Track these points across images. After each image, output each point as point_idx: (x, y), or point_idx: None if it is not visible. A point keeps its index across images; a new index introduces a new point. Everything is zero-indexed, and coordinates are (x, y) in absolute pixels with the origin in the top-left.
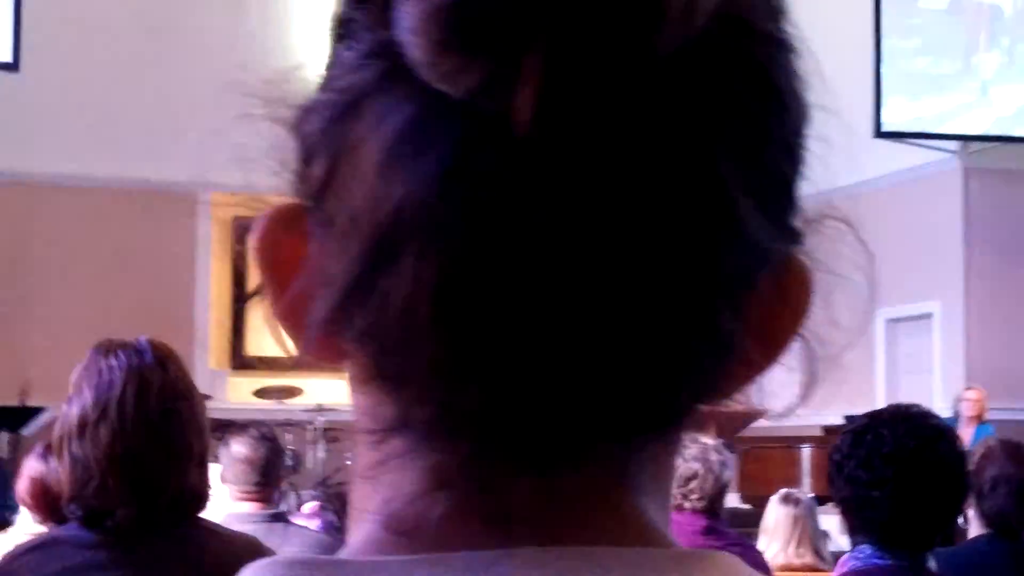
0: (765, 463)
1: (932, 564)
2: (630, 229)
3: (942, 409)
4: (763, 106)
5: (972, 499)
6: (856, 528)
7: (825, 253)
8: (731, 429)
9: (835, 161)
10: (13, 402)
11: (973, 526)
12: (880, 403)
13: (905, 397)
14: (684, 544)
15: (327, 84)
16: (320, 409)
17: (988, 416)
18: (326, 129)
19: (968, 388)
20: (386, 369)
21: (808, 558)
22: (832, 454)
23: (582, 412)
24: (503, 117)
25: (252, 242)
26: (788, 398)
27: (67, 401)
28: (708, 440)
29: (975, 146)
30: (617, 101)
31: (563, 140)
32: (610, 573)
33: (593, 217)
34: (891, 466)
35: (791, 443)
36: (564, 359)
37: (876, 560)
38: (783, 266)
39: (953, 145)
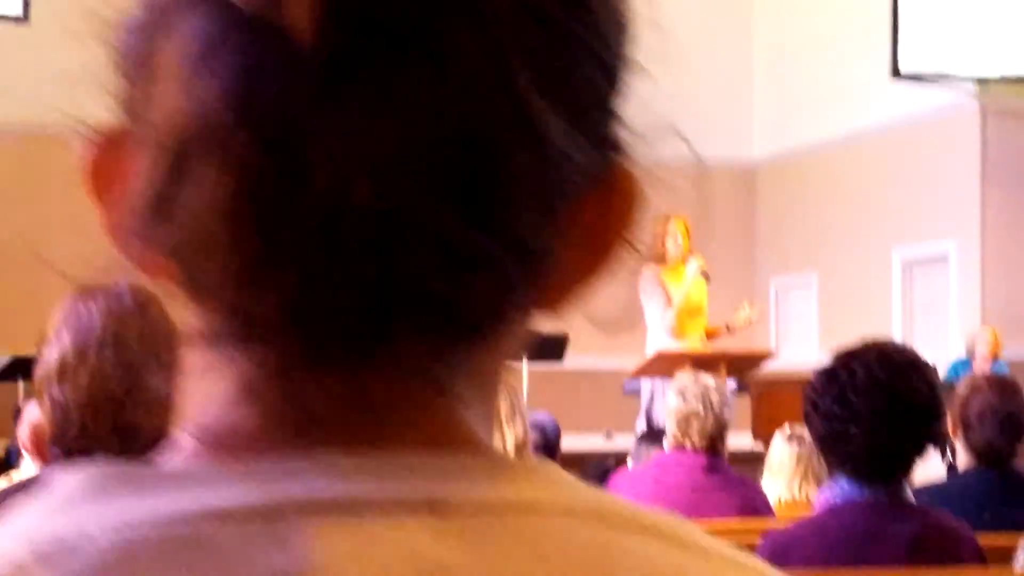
0: (778, 404)
1: (909, 494)
2: (420, 137)
3: (957, 349)
4: (565, 12)
5: (960, 433)
6: (833, 464)
7: (653, 160)
8: (741, 369)
9: (851, 102)
10: (34, 352)
11: (961, 460)
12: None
13: (921, 337)
14: (684, 483)
15: (139, 1)
16: None
17: (1003, 356)
18: (137, 46)
19: (983, 327)
20: (190, 281)
21: (811, 495)
22: (807, 393)
23: (379, 314)
24: (288, 29)
25: (80, 164)
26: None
27: (47, 345)
28: (709, 379)
29: (993, 87)
30: (398, 9)
31: (345, 50)
32: (412, 477)
33: (381, 126)
34: (864, 399)
35: (804, 384)
36: (357, 264)
37: (853, 493)
38: (608, 177)
39: (971, 86)
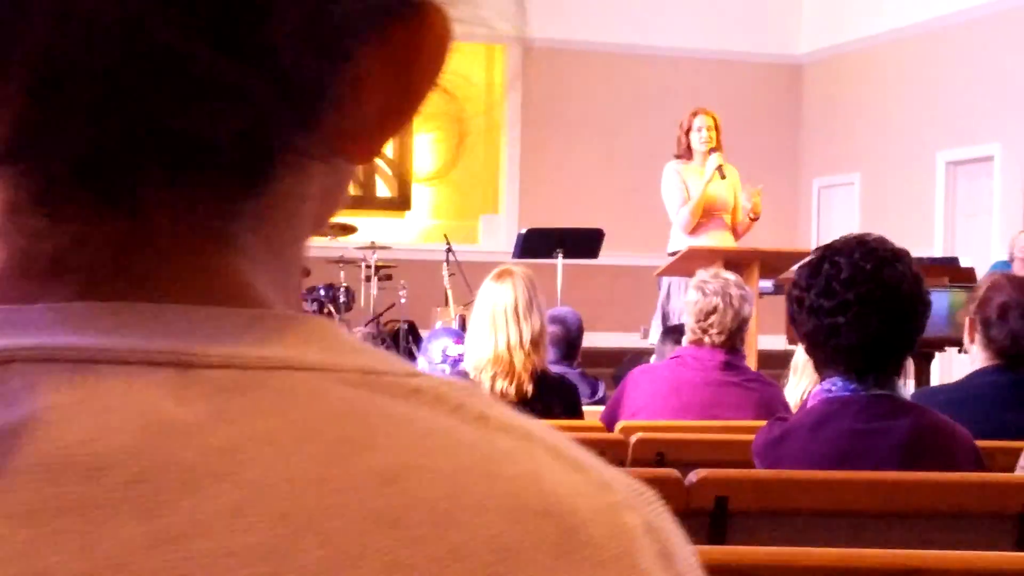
0: None
1: (902, 390)
2: None
3: (1000, 253)
4: None
5: (978, 332)
6: (822, 361)
7: (472, 3)
8: (777, 268)
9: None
10: None
11: (976, 360)
12: (938, 246)
13: (963, 240)
14: (700, 379)
15: None
16: (373, 247)
17: None
18: None
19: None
20: None
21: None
22: (790, 290)
23: (118, 148)
24: None
25: None
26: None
27: None
28: (729, 274)
29: None
30: None
31: None
32: (160, 330)
33: None
34: (851, 289)
35: None
36: (85, 88)
37: (846, 390)
38: (413, 15)
39: None
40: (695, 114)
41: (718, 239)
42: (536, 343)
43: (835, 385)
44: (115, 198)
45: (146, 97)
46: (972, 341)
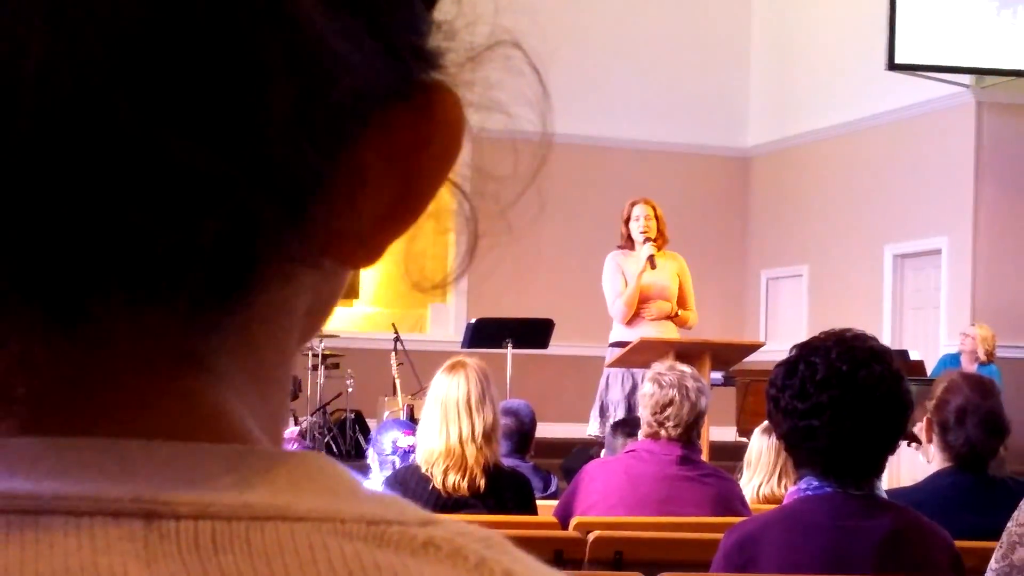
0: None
1: (881, 491)
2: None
3: (948, 346)
4: None
5: (935, 435)
6: (800, 462)
7: (489, 85)
8: (728, 361)
9: (848, 93)
10: None
11: (935, 461)
12: (886, 338)
13: (911, 332)
14: (657, 473)
15: None
16: (321, 335)
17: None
18: None
19: (972, 325)
20: None
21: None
22: (767, 389)
23: (72, 258)
24: None
25: None
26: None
27: None
28: (685, 367)
29: (989, 80)
30: None
31: None
32: (124, 472)
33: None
34: (825, 391)
35: None
36: (32, 180)
37: (821, 490)
38: (421, 99)
39: (967, 79)
40: (634, 204)
41: (660, 329)
42: (489, 436)
43: (811, 484)
44: (66, 315)
45: (105, 193)
46: (929, 441)
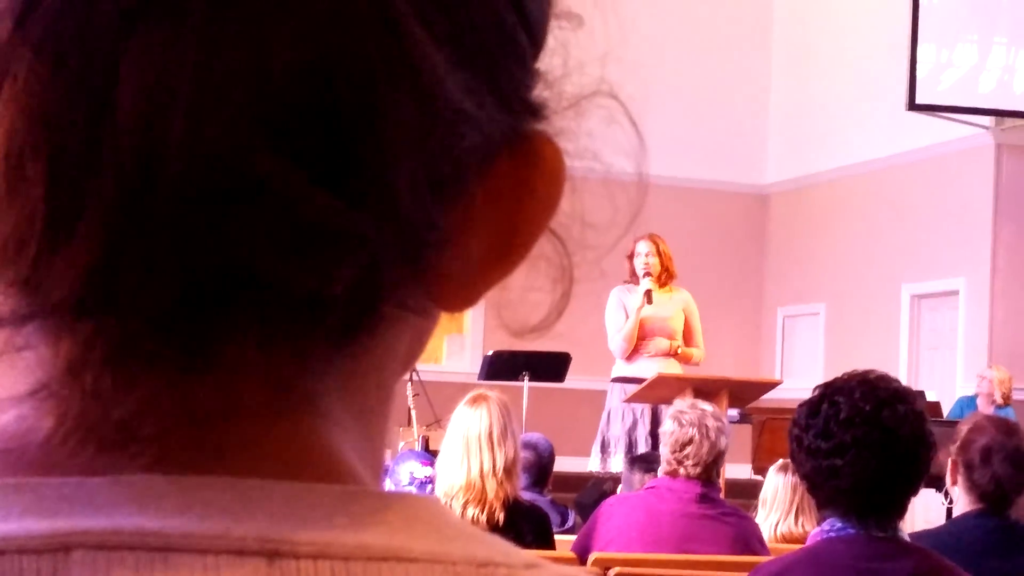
0: (781, 435)
1: (904, 533)
2: (260, 66)
3: (964, 387)
4: None
5: (960, 475)
6: (823, 502)
7: (588, 136)
8: (744, 398)
9: (867, 132)
10: None
11: (959, 503)
12: (902, 379)
13: (927, 373)
14: (676, 511)
15: None
16: None
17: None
18: None
19: (989, 367)
20: None
21: (810, 527)
22: (790, 429)
23: (205, 300)
24: None
25: None
26: (546, 308)
27: None
28: (706, 405)
29: (1009, 122)
30: None
31: None
32: (245, 510)
33: (207, 49)
34: (849, 431)
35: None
36: (173, 231)
37: (845, 531)
38: (525, 148)
39: (987, 121)
40: (638, 240)
41: (660, 365)
42: (509, 471)
43: (834, 526)
44: (202, 358)
45: (247, 243)
46: (954, 483)
